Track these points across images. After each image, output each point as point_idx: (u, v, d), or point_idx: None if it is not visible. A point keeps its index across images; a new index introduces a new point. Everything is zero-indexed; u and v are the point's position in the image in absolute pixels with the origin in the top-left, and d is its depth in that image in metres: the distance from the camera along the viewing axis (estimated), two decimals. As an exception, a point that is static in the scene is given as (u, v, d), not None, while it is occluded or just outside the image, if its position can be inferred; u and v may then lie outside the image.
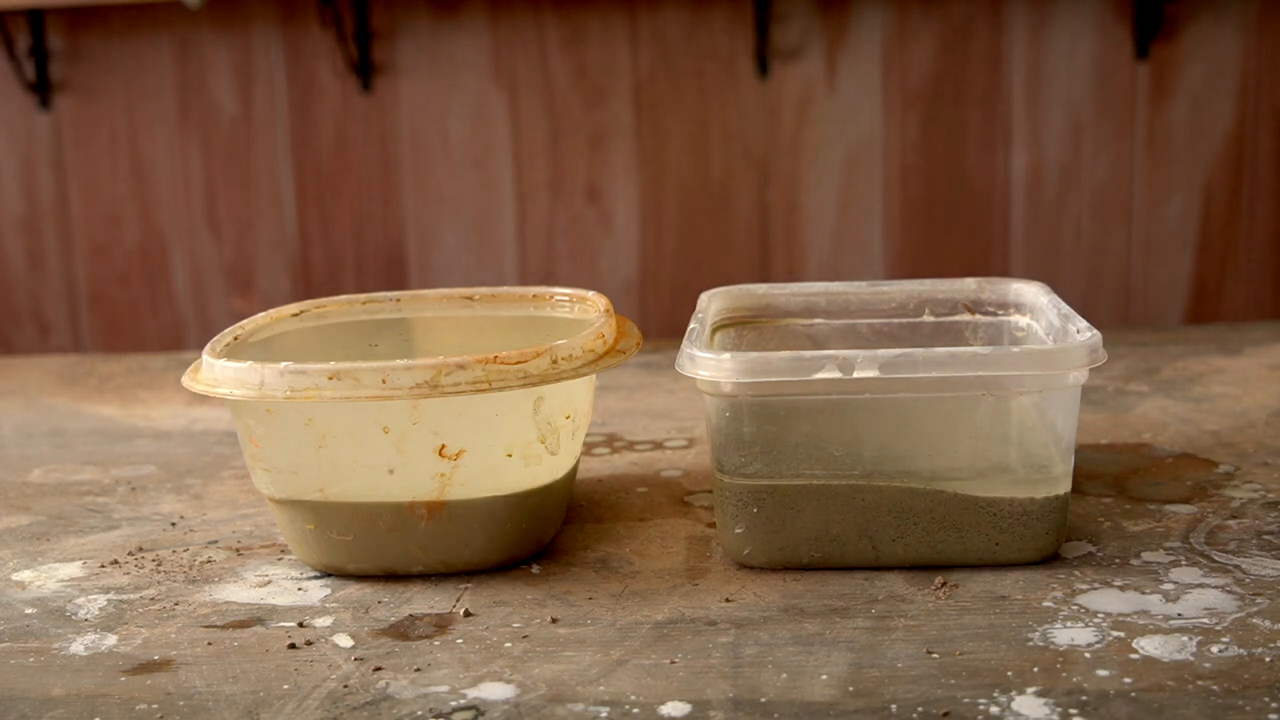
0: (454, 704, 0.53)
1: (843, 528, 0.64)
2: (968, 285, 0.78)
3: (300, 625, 0.61)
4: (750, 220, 1.96)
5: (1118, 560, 0.64)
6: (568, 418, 0.66)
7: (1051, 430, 0.63)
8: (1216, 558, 0.64)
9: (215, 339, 0.69)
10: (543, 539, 0.69)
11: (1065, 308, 0.69)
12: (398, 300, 0.80)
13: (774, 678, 0.54)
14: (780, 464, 0.63)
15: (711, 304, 0.76)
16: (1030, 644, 0.56)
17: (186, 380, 0.66)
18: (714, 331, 0.75)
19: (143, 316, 2.06)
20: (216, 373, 0.64)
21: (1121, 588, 0.61)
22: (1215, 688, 0.51)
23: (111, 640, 0.60)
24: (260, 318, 0.74)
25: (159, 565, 0.70)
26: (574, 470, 0.71)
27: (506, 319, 0.80)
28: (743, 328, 0.78)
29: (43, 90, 1.98)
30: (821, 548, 0.64)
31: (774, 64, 1.85)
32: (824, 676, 0.54)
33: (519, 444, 0.64)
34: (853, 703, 0.51)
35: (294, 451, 0.64)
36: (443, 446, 0.63)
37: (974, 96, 1.89)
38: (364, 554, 0.66)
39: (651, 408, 0.96)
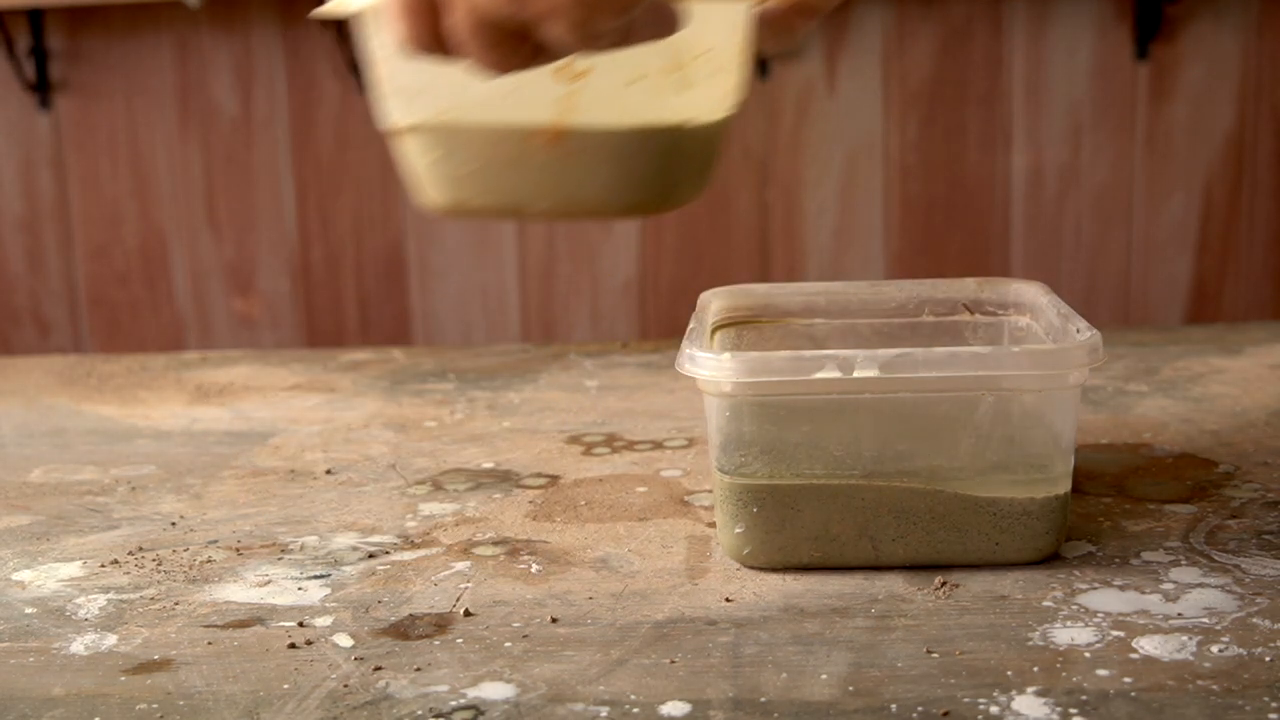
0: (454, 704, 0.53)
1: (843, 528, 0.64)
2: (968, 285, 0.78)
3: (300, 625, 0.61)
4: (750, 220, 1.95)
5: (1118, 560, 0.64)
6: (705, 52, 0.62)
7: (1051, 430, 0.63)
8: (1216, 557, 0.64)
9: None
10: (671, 193, 0.65)
11: (1065, 308, 0.69)
12: None
13: (774, 677, 0.54)
14: (780, 464, 0.63)
15: (711, 304, 0.76)
16: (1030, 644, 0.56)
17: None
18: (714, 331, 0.75)
19: (143, 316, 2.06)
20: None
21: (1121, 587, 0.61)
22: (1215, 687, 0.51)
23: (111, 640, 0.60)
24: None
25: (159, 565, 0.70)
26: (719, 127, 0.66)
27: None
28: (743, 328, 0.78)
29: (43, 90, 1.98)
30: (821, 547, 0.64)
31: (774, 64, 1.85)
32: (824, 676, 0.54)
33: (644, 70, 0.60)
34: (853, 702, 0.51)
35: (419, 69, 0.60)
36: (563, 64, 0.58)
37: (974, 97, 1.89)
38: (487, 188, 0.64)
39: (651, 408, 0.96)
